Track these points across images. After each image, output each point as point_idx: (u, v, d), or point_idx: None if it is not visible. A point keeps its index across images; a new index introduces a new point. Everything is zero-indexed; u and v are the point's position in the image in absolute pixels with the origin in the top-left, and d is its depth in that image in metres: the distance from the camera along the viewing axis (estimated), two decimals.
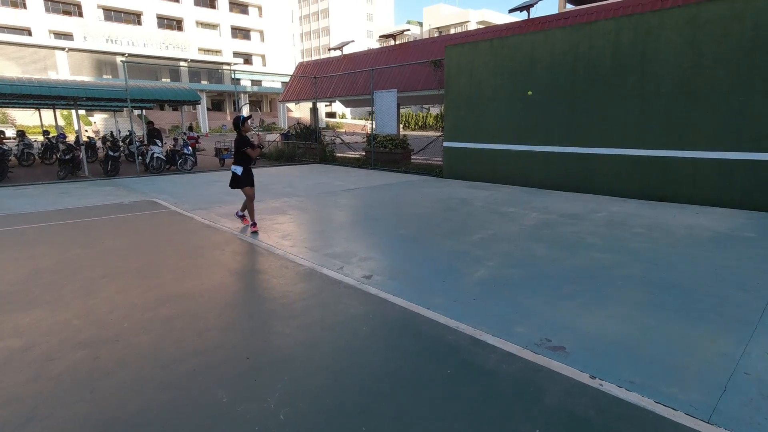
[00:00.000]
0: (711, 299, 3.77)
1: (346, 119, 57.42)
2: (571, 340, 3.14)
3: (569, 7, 36.56)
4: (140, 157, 14.16)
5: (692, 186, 7.70)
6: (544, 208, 7.59)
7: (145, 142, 14.90)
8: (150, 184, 11.25)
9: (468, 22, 63.23)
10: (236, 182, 6.32)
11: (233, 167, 6.32)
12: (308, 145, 17.42)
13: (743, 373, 2.70)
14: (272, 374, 2.76)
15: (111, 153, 13.02)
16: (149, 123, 15.20)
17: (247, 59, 56.08)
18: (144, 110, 23.95)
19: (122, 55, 40.26)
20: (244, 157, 6.22)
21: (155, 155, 13.58)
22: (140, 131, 23.95)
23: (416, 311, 3.67)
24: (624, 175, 8.48)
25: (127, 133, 20.15)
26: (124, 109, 27.65)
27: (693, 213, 7.01)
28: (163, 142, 15.20)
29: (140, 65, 38.72)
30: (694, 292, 3.92)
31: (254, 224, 6.36)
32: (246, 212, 6.61)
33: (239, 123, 6.15)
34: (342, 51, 21.49)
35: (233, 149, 6.35)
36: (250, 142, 6.22)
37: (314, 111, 19.83)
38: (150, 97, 14.63)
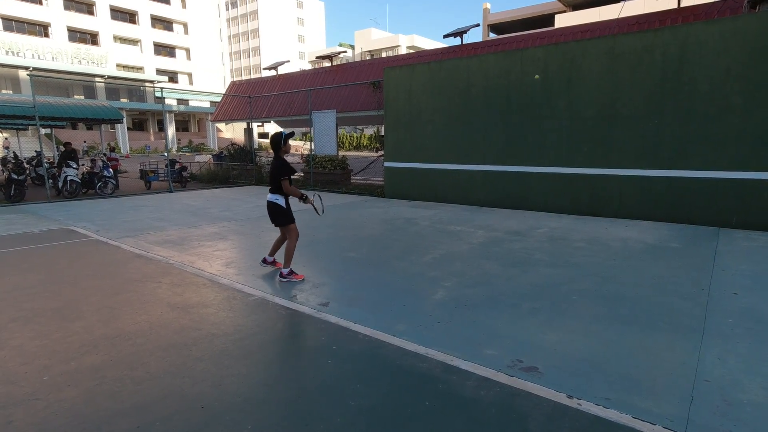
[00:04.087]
0: (658, 309, 3.97)
1: None
2: (541, 360, 3.12)
3: (492, 35, 39.03)
4: (51, 181, 12.74)
5: (618, 201, 8.30)
6: (488, 226, 7.77)
7: (56, 164, 13.46)
8: (64, 211, 10.10)
9: (399, 46, 65.37)
10: (279, 216, 4.90)
11: (272, 196, 4.89)
12: (243, 167, 16.75)
13: (704, 380, 2.82)
14: (233, 424, 2.43)
15: (15, 176, 11.59)
16: (66, 144, 13.76)
17: (173, 77, 53.52)
18: (53, 129, 21.84)
19: (26, 68, 36.69)
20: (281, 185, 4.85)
21: (69, 178, 12.28)
22: (49, 152, 21.75)
23: (382, 339, 3.48)
24: (558, 192, 8.97)
25: (34, 154, 18.16)
26: (30, 127, 25.05)
27: (623, 227, 7.53)
28: (79, 163, 13.83)
29: (49, 80, 35.47)
30: (642, 303, 4.12)
31: (291, 271, 4.88)
32: (276, 256, 5.32)
33: (280, 140, 4.75)
34: (277, 71, 21.13)
35: (268, 174, 4.80)
36: (290, 169, 4.82)
37: (249, 131, 19.18)
38: (64, 114, 13.30)
